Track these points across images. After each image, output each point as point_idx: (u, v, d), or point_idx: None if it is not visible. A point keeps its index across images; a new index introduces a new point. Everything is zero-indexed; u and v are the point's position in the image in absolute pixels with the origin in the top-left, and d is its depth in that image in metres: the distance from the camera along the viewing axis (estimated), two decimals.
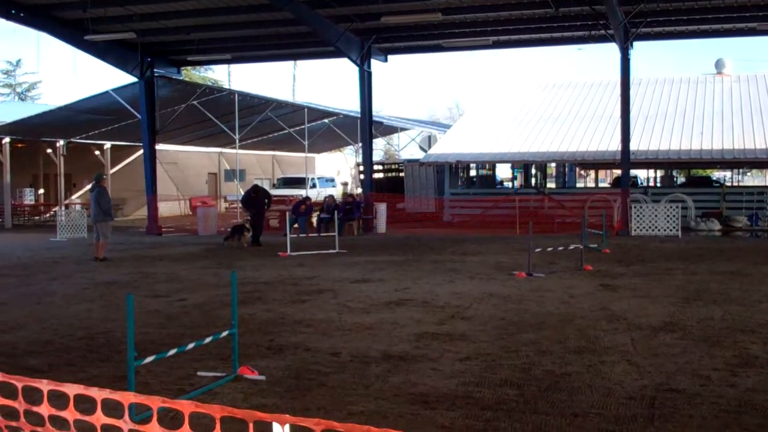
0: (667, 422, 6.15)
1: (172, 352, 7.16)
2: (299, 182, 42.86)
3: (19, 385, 3.20)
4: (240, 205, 27.58)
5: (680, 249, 20.74)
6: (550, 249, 17.30)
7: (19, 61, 77.30)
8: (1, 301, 13.21)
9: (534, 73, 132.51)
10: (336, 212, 24.83)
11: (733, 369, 7.79)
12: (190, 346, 7.40)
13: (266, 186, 47.34)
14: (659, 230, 25.09)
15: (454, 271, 16.22)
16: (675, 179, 45.86)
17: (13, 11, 24.94)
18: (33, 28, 26.91)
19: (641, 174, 56.55)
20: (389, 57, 31.39)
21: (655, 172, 53.18)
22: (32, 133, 35.46)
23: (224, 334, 7.72)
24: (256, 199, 24.14)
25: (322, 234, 25.06)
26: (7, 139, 34.52)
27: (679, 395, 6.89)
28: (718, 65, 39.90)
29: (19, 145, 36.16)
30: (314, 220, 29.06)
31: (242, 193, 32.29)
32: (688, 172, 49.15)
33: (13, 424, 3.31)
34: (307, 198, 30.01)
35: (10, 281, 15.80)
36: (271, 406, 6.48)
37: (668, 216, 25.22)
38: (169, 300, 12.99)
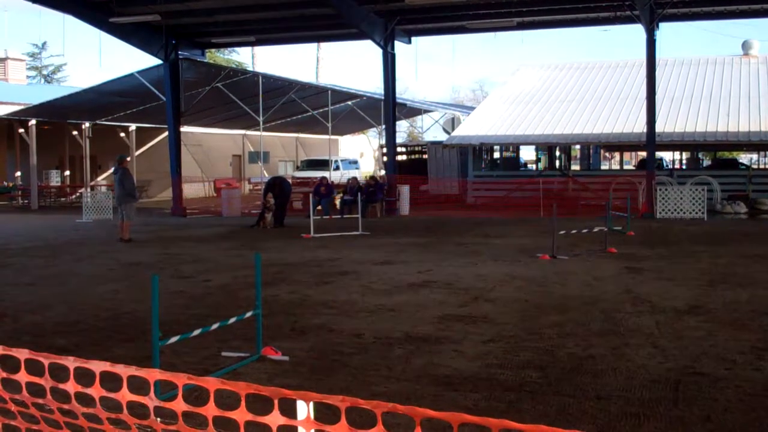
0: (691, 405, 6.13)
1: (197, 332, 7.21)
2: (323, 164, 42.85)
3: (46, 363, 3.23)
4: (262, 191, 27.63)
5: (706, 232, 20.58)
6: (574, 231, 17.22)
7: (44, 43, 77.61)
8: (29, 281, 13.35)
9: (558, 54, 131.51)
10: (359, 194, 24.85)
11: (759, 353, 7.73)
12: (215, 326, 7.45)
13: (290, 168, 47.52)
14: (685, 213, 24.89)
15: (477, 254, 16.20)
16: (701, 161, 45.50)
17: None
18: (58, 10, 27.01)
19: (667, 156, 56.06)
20: (413, 39, 31.27)
21: (681, 155, 52.78)
22: (58, 115, 35.69)
23: (248, 314, 7.76)
24: (280, 187, 24.32)
25: (345, 216, 25.10)
26: (33, 122, 34.79)
27: (703, 378, 6.85)
28: (745, 47, 39.39)
29: (45, 127, 36.44)
30: (337, 202, 29.10)
31: (266, 175, 32.41)
32: (714, 155, 48.72)
33: (40, 401, 3.34)
34: (324, 178, 30.03)
35: (38, 262, 15.96)
36: (294, 387, 6.49)
37: (694, 198, 25.00)
38: (194, 281, 13.08)
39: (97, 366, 3.16)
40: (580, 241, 17.42)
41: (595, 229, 17.21)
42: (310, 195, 26.06)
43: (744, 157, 55.79)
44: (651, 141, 26.55)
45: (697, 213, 24.75)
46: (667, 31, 42.23)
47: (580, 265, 14.29)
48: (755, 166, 47.41)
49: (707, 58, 38.87)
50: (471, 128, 34.88)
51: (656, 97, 27.04)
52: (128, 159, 23.65)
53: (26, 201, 36.91)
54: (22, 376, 3.33)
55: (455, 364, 7.43)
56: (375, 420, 2.67)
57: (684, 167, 46.79)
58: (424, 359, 7.63)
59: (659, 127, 28.34)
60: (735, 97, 33.37)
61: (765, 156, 56.45)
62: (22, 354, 3.35)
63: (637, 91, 33.69)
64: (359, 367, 7.38)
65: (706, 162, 46.28)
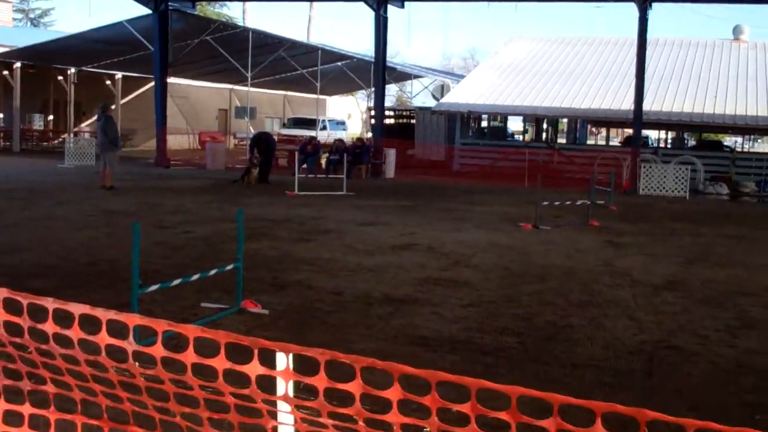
0: (664, 378, 6.19)
1: (177, 282, 7.20)
2: (310, 123, 42.62)
3: (25, 303, 3.21)
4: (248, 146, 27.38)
5: (687, 210, 20.70)
6: (557, 203, 17.25)
7: None
8: (7, 223, 13.26)
9: (551, 28, 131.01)
10: (345, 155, 24.77)
11: (733, 330, 7.81)
12: (195, 277, 7.44)
13: (276, 125, 47.23)
14: (667, 191, 25.00)
15: (461, 220, 16.22)
16: (686, 142, 45.57)
17: None
18: None
19: (653, 135, 56.18)
20: (406, 3, 30.98)
21: (667, 134, 52.87)
22: (44, 59, 35.23)
23: (229, 267, 7.76)
24: (265, 142, 24.18)
25: (330, 176, 25.03)
26: (18, 64, 34.33)
27: (678, 353, 6.92)
28: (736, 31, 39.38)
29: (30, 71, 35.96)
30: (323, 161, 29.02)
31: (252, 131, 32.21)
32: (700, 136, 48.81)
33: (18, 340, 3.32)
34: (313, 137, 29.89)
35: (17, 204, 15.84)
36: (273, 339, 6.51)
37: (677, 177, 25.10)
38: (175, 231, 13.03)
39: (77, 308, 3.14)
40: (563, 213, 17.47)
41: (578, 202, 17.26)
42: (296, 153, 25.97)
43: (729, 140, 56.01)
44: (638, 118, 26.59)
45: (679, 192, 24.87)
46: (659, 11, 42.36)
47: (561, 236, 14.34)
48: (739, 150, 47.56)
49: (698, 41, 38.84)
50: (460, 96, 34.77)
51: (645, 75, 26.99)
52: (113, 107, 23.45)
53: (8, 143, 36.56)
54: (0, 315, 3.30)
55: (434, 326, 7.46)
56: (353, 375, 2.67)
57: (669, 146, 46.86)
58: (403, 320, 7.66)
59: (647, 106, 28.37)
60: (723, 81, 33.42)
61: (749, 140, 56.71)
62: (1, 293, 3.32)
63: (627, 69, 33.60)
64: (338, 325, 7.40)
65: (692, 142, 46.34)
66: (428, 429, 2.70)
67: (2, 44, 33.73)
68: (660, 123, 35.05)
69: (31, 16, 76.68)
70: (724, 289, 10.00)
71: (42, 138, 39.55)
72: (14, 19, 53.61)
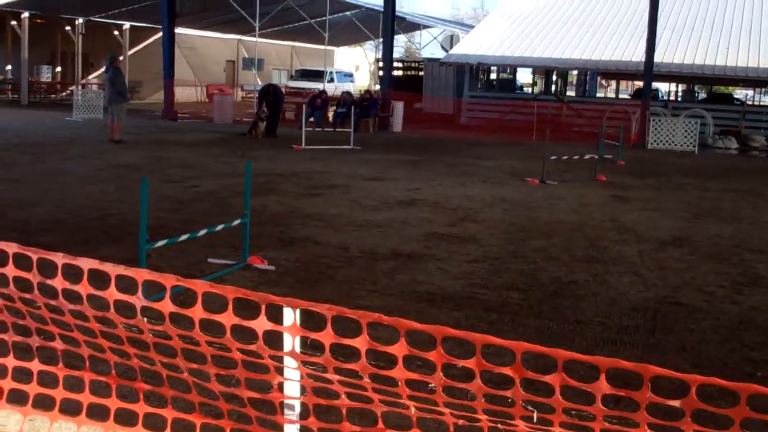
0: (668, 334, 6.24)
1: (184, 237, 7.25)
2: (317, 75, 42.37)
3: (34, 257, 3.24)
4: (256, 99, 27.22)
5: (695, 165, 20.63)
6: (565, 157, 17.19)
7: None
8: (15, 177, 13.31)
9: None
10: (352, 108, 24.67)
11: (738, 287, 7.84)
12: (202, 232, 7.48)
13: (284, 77, 46.97)
14: (676, 145, 24.87)
15: (468, 174, 16.21)
16: (696, 94, 45.23)
17: None
18: None
19: (663, 87, 55.71)
20: None
21: (677, 87, 52.42)
22: (51, 8, 35.00)
23: (236, 222, 7.80)
24: (273, 95, 24.05)
25: (337, 129, 24.96)
26: (25, 14, 34.10)
27: (681, 309, 6.96)
28: None
29: (38, 21, 35.78)
30: (330, 114, 28.91)
31: (260, 83, 32.07)
32: (710, 89, 48.41)
33: (27, 296, 3.36)
34: (323, 92, 29.76)
35: (25, 158, 15.88)
36: (279, 295, 6.57)
37: (686, 131, 24.95)
38: (182, 186, 13.07)
39: (86, 263, 3.17)
40: (571, 168, 17.43)
41: (586, 157, 17.20)
42: (304, 106, 25.86)
43: (739, 93, 55.52)
44: (649, 71, 26.40)
45: (688, 146, 24.75)
46: None
47: (568, 191, 14.33)
48: (750, 103, 47.19)
49: None
50: (469, 47, 34.49)
51: (657, 26, 26.71)
52: (120, 58, 23.34)
53: (16, 96, 36.52)
54: (10, 270, 3.34)
55: (439, 282, 7.51)
56: (360, 330, 2.72)
57: (679, 99, 46.52)
58: (409, 276, 7.71)
59: (658, 57, 28.11)
60: (736, 32, 33.04)
61: (761, 93, 56.17)
62: (11, 248, 3.35)
63: (639, 20, 33.26)
64: (344, 281, 7.46)
65: (702, 95, 46.00)
66: (433, 385, 2.75)
67: None
68: (671, 75, 34.78)
69: None
70: (729, 244, 10.01)
71: (50, 90, 39.45)
72: None
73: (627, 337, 6.13)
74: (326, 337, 2.78)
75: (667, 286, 7.75)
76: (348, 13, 41.18)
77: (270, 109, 23.47)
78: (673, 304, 7.12)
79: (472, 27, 45.23)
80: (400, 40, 59.91)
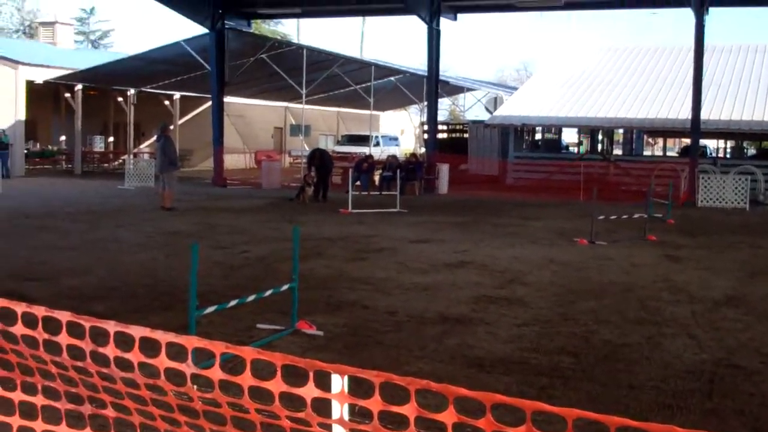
0: (726, 398, 6.08)
1: (233, 303, 7.29)
2: (363, 140, 42.82)
3: (87, 326, 3.29)
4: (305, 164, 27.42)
5: (747, 222, 20.31)
6: (613, 217, 17.06)
7: (92, 9, 78.08)
8: (70, 246, 13.56)
9: (604, 36, 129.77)
10: (398, 171, 24.82)
11: None
12: (251, 298, 7.53)
13: (330, 142, 47.50)
14: (726, 202, 24.54)
15: (515, 235, 16.14)
16: (745, 151, 44.69)
17: None
18: None
19: (711, 144, 55.22)
20: (459, 15, 31.06)
21: (725, 143, 51.95)
22: (104, 80, 35.98)
23: (284, 287, 7.83)
24: (320, 159, 24.34)
25: (383, 192, 25.10)
26: (79, 86, 35.13)
27: (739, 372, 6.79)
28: None
29: (91, 93, 36.78)
30: (377, 178, 29.12)
31: (307, 148, 32.49)
32: (759, 144, 47.86)
33: (80, 364, 3.41)
34: (370, 156, 30.02)
35: (80, 227, 16.20)
36: (327, 361, 6.54)
37: (736, 188, 24.62)
38: (232, 252, 13.20)
39: (137, 331, 3.21)
40: (620, 227, 17.27)
41: (635, 216, 17.04)
42: (350, 170, 26.09)
43: None
44: (695, 128, 26.19)
45: (739, 203, 24.40)
46: (716, 16, 41.63)
47: (618, 251, 14.18)
48: None
49: (756, 45, 38.13)
50: (514, 108, 34.64)
51: (703, 83, 26.60)
52: (171, 127, 23.87)
53: (70, 165, 37.38)
54: (63, 339, 3.39)
55: (488, 347, 7.43)
56: (408, 397, 2.70)
57: (728, 156, 46.05)
58: (458, 340, 7.65)
59: (704, 115, 27.91)
60: None
61: None
62: (64, 316, 3.40)
63: (683, 78, 33.19)
64: (392, 345, 7.42)
65: (751, 151, 45.43)
66: None
67: (64, 67, 34.53)
68: (718, 132, 34.47)
69: (92, 38, 78.39)
70: None
71: (102, 160, 40.36)
72: (75, 42, 54.87)
73: (683, 401, 5.98)
74: (374, 404, 2.76)
75: (723, 347, 7.58)
76: (392, 78, 41.68)
77: (318, 173, 23.72)
78: (729, 366, 6.95)
79: (515, 89, 45.49)
80: (444, 103, 60.41)
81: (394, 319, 8.48)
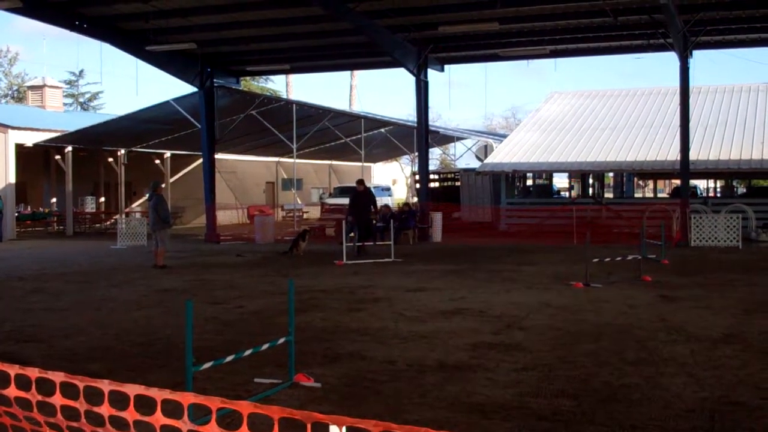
0: None
1: (230, 358, 7.24)
2: None
3: (81, 386, 3.26)
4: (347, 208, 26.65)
5: (741, 260, 20.33)
6: (607, 259, 17.08)
7: (81, 71, 78.53)
8: (63, 307, 13.49)
9: (591, 81, 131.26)
10: (392, 221, 24.85)
11: None
12: (247, 352, 7.47)
13: (324, 194, 47.60)
14: (719, 241, 24.62)
15: (511, 281, 16.12)
16: (735, 189, 44.97)
17: (77, 22, 25.53)
18: (96, 38, 27.44)
19: (701, 184, 55.60)
20: (446, 66, 31.37)
21: (715, 182, 52.34)
22: (94, 141, 36.15)
23: (281, 341, 7.78)
24: (360, 198, 24.07)
25: (377, 243, 25.09)
26: (69, 148, 35.23)
27: (740, 408, 6.75)
28: None
29: (81, 154, 36.90)
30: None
31: (300, 202, 32.53)
32: (749, 182, 48.19)
33: (74, 424, 3.37)
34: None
35: (72, 287, 16.13)
36: (326, 413, 6.48)
37: (728, 227, 24.72)
38: (227, 307, 13.14)
39: (132, 389, 3.19)
40: (614, 269, 17.28)
41: (629, 257, 17.06)
42: (343, 222, 26.07)
43: None
44: (685, 169, 26.35)
45: (731, 241, 24.47)
46: (700, 58, 42.25)
47: (614, 293, 14.16)
48: None
49: (741, 86, 38.64)
50: (504, 155, 34.85)
51: (690, 124, 26.84)
52: (163, 185, 23.90)
53: (61, 227, 37.35)
54: (57, 399, 3.36)
55: (488, 392, 7.38)
56: None
57: (718, 195, 46.30)
58: (457, 387, 7.59)
59: (693, 155, 28.11)
60: None
61: None
62: (58, 377, 3.38)
63: (671, 119, 33.52)
64: (392, 395, 7.36)
65: (741, 190, 45.73)
66: None
67: (54, 129, 34.72)
68: (708, 172, 34.68)
69: (81, 100, 78.80)
70: None
71: (94, 220, 40.34)
72: (65, 104, 55.13)
73: None
74: None
75: (723, 385, 7.54)
76: (383, 129, 41.99)
77: (358, 219, 23.34)
78: (730, 403, 6.90)
79: (504, 136, 45.82)
80: (435, 153, 60.78)
81: (392, 368, 8.43)
